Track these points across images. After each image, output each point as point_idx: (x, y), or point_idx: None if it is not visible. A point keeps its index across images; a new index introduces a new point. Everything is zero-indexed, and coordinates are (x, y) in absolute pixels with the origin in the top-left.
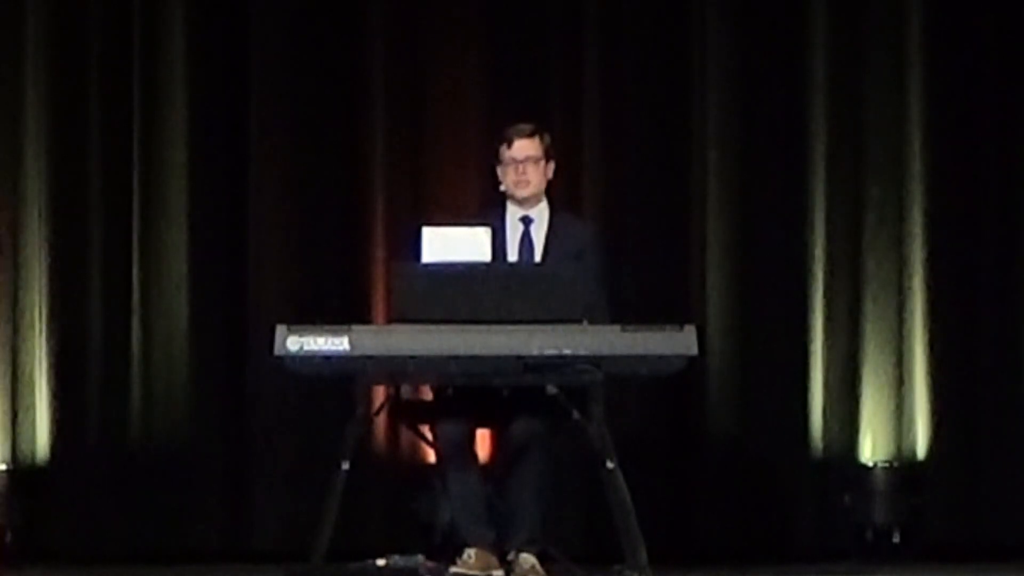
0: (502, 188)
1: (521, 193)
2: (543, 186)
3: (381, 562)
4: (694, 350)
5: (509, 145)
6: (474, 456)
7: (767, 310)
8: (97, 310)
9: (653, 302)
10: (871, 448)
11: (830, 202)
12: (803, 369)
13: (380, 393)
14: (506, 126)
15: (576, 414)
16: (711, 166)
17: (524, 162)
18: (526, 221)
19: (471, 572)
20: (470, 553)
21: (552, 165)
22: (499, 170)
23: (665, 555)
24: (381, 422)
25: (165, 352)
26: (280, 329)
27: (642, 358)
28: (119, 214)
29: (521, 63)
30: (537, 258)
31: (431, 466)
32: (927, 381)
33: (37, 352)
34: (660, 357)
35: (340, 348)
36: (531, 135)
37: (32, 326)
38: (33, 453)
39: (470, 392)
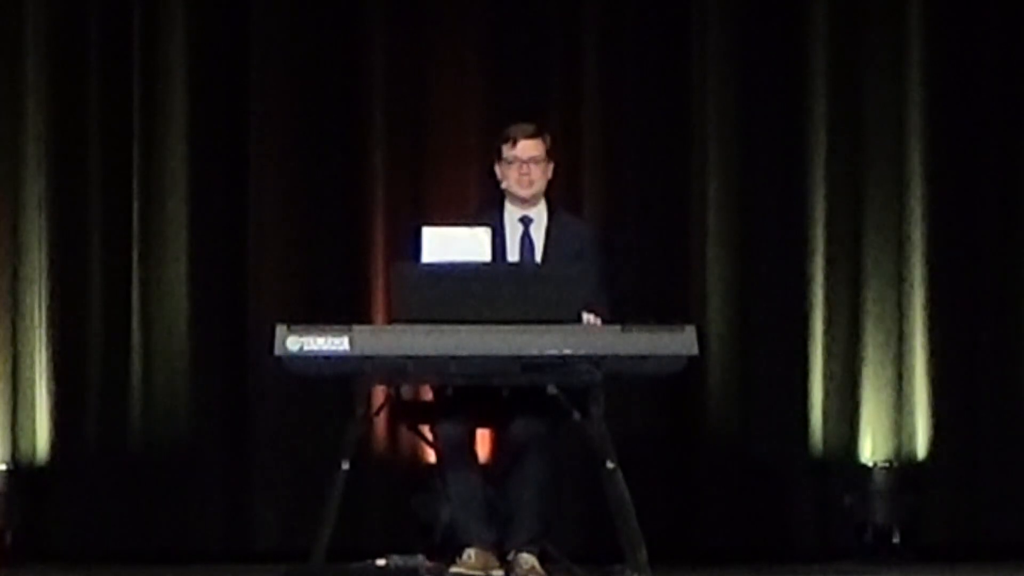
0: (503, 186)
1: (524, 192)
2: (544, 186)
3: (381, 562)
4: (694, 350)
5: (514, 144)
6: (474, 456)
7: (767, 310)
8: (97, 310)
9: (653, 302)
10: (871, 448)
11: (830, 202)
12: (803, 369)
13: (380, 393)
14: (507, 125)
15: (576, 414)
16: (711, 166)
17: (528, 162)
18: (525, 221)
19: (471, 572)
20: (470, 553)
21: (551, 165)
22: (499, 168)
23: (665, 555)
24: (381, 422)
25: (165, 352)
26: (280, 329)
27: (642, 358)
28: (119, 214)
29: (521, 63)
30: (538, 258)
31: (431, 466)
32: (927, 381)
33: (37, 352)
34: (660, 357)
35: (340, 348)
36: (535, 135)
37: (32, 326)
38: (33, 453)
39: (470, 392)
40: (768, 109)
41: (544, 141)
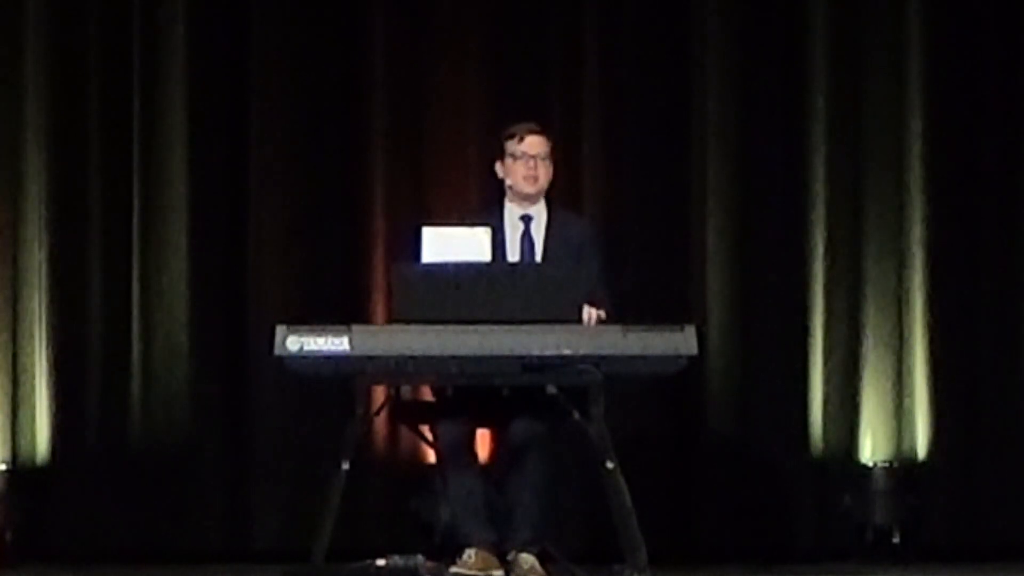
0: (508, 183)
1: (530, 188)
2: (547, 184)
3: (381, 562)
4: (694, 350)
5: (520, 140)
6: (474, 456)
7: (767, 310)
8: (97, 310)
9: (653, 302)
10: (871, 448)
11: (830, 201)
12: (803, 369)
13: (380, 393)
14: (507, 125)
15: (576, 414)
16: (711, 166)
17: (535, 157)
18: (526, 220)
19: (471, 572)
20: (470, 553)
21: (552, 166)
22: (503, 165)
23: (665, 555)
24: (381, 422)
25: (165, 352)
26: (280, 329)
27: (642, 358)
28: (119, 214)
29: (521, 63)
30: (538, 257)
31: (431, 466)
32: (927, 381)
33: (37, 352)
34: (660, 357)
35: (340, 348)
36: (541, 132)
37: (32, 327)
38: (33, 453)
39: (470, 392)
40: (768, 109)
41: (548, 139)
